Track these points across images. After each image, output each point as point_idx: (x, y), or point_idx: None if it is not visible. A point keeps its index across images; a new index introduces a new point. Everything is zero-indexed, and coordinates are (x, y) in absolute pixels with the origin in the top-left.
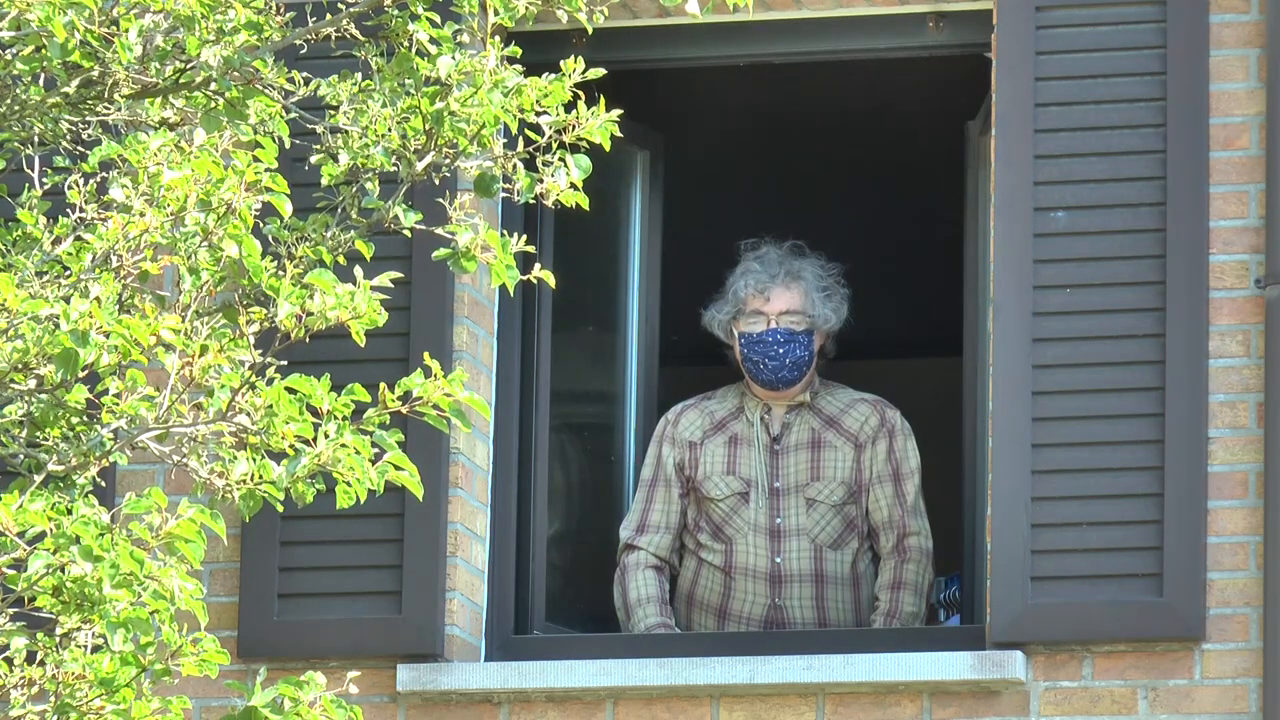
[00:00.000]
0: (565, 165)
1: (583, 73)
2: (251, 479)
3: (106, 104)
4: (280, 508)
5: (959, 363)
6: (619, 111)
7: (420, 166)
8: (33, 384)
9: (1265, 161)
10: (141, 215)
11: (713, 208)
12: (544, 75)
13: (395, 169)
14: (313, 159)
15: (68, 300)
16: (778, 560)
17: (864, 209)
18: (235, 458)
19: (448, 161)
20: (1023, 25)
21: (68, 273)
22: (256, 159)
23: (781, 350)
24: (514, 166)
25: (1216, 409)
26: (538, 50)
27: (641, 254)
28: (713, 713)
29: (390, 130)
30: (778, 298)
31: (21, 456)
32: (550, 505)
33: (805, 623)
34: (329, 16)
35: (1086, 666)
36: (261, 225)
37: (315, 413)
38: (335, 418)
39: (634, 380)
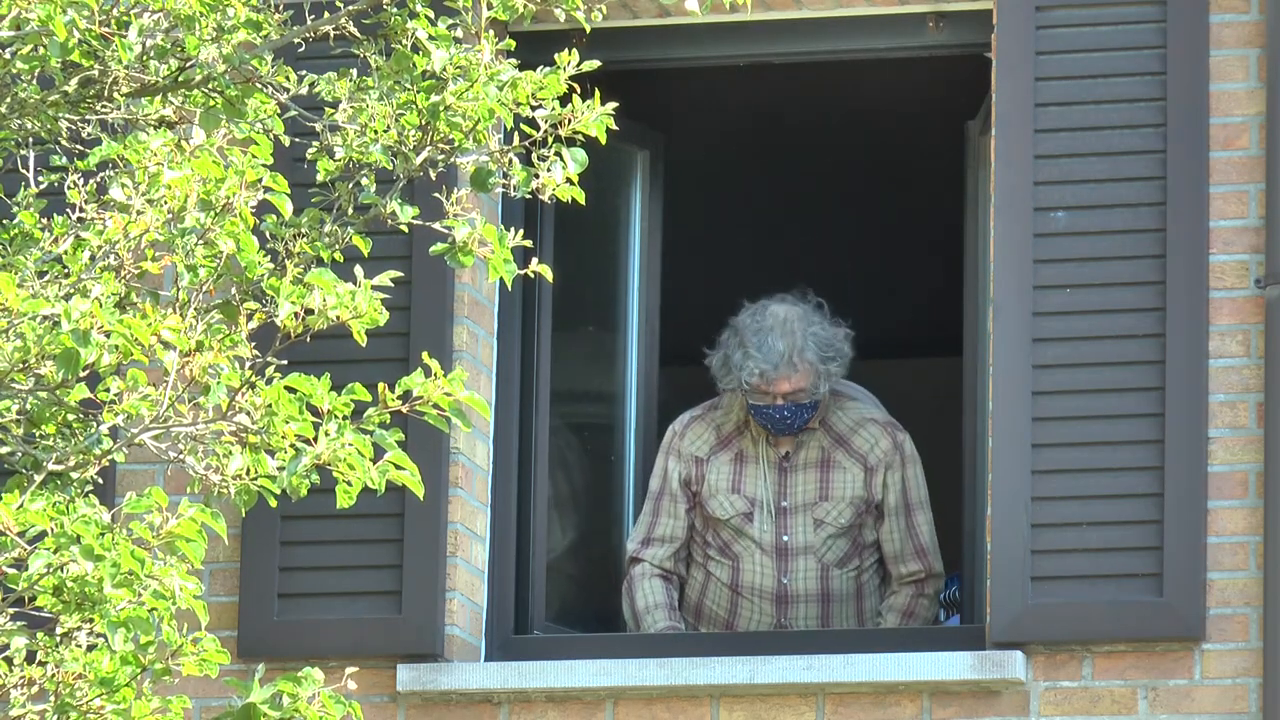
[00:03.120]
0: (561, 160)
1: (578, 65)
2: (247, 474)
3: (106, 103)
4: (274, 502)
5: (959, 363)
6: (614, 105)
7: (417, 162)
8: (32, 383)
9: (1265, 161)
10: (140, 214)
11: (713, 208)
12: (539, 69)
13: (392, 165)
14: (308, 154)
15: (68, 300)
16: (784, 580)
17: (864, 209)
18: (231, 453)
19: (443, 157)
20: (1023, 25)
21: (68, 272)
22: (255, 156)
23: (790, 420)
24: (510, 161)
25: (1216, 409)
26: (537, 50)
27: (641, 254)
28: (713, 713)
29: (389, 127)
30: (781, 383)
31: (19, 454)
32: (550, 506)
33: None
34: (327, 15)
35: (1086, 666)
36: (259, 223)
37: (315, 412)
38: (335, 417)
39: (634, 380)
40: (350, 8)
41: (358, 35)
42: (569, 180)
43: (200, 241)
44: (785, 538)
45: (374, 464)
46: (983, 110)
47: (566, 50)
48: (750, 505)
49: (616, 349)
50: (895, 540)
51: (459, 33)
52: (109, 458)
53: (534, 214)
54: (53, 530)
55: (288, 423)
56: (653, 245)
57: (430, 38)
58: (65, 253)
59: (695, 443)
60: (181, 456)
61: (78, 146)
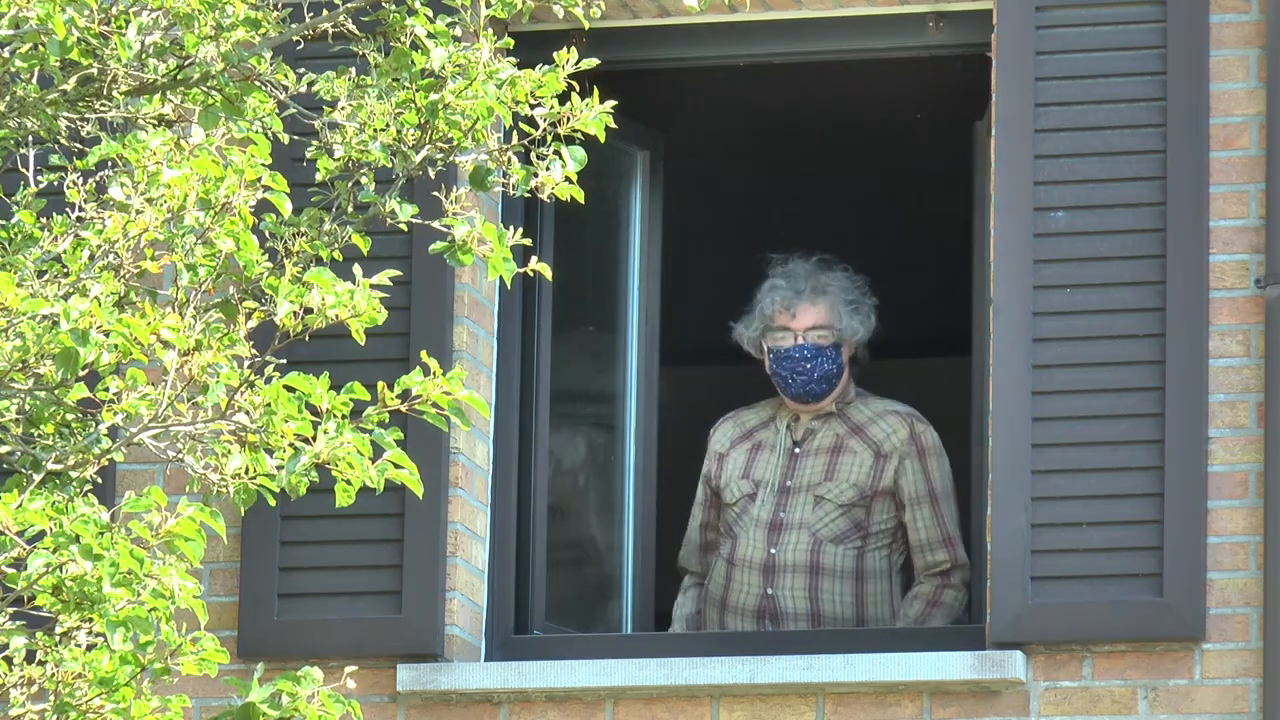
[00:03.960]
0: (560, 158)
1: (576, 63)
2: (246, 473)
3: (105, 101)
4: (273, 501)
5: (960, 363)
6: (613, 103)
7: (416, 160)
8: (31, 383)
9: (1265, 161)
10: (140, 213)
11: (713, 208)
12: (538, 68)
13: (391, 164)
14: (307, 152)
15: (67, 299)
16: (773, 551)
17: (864, 209)
18: (230, 452)
19: (442, 155)
20: (1023, 25)
21: (67, 272)
22: (254, 155)
23: (809, 365)
24: (509, 160)
25: (1216, 409)
26: (536, 49)
27: (641, 254)
28: (713, 713)
29: (388, 126)
30: (803, 313)
31: (18, 453)
32: (550, 505)
33: (797, 613)
34: (326, 13)
35: (1086, 666)
36: (258, 222)
37: (314, 411)
38: (334, 416)
39: (634, 380)
40: (349, 5)
41: (356, 33)
42: (568, 179)
43: (199, 241)
44: (782, 514)
45: (373, 463)
46: (989, 111)
47: (565, 49)
48: (755, 487)
49: (616, 349)
50: (920, 530)
51: (458, 31)
52: (108, 457)
53: (534, 213)
54: (52, 530)
55: (286, 422)
56: (653, 245)
57: (429, 35)
58: (64, 252)
59: (722, 440)
60: (180, 456)
61: (77, 145)
